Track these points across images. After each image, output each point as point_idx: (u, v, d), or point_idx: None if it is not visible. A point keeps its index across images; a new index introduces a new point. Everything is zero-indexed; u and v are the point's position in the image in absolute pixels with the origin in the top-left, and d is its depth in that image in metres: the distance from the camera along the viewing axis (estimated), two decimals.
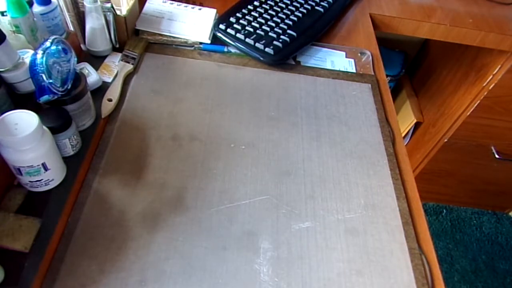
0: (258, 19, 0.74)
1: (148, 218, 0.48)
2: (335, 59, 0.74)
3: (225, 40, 0.71)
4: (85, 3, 0.58)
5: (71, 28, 0.64)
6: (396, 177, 0.56)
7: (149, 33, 0.69)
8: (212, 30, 0.72)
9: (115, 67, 0.63)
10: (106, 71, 0.63)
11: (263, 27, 0.72)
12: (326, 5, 0.81)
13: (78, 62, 0.59)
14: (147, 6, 0.73)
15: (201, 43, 0.71)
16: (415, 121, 1.27)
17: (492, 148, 1.15)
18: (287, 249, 0.47)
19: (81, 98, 0.50)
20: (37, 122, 0.41)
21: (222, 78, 0.66)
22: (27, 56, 0.50)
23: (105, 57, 0.65)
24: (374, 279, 0.46)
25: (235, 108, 0.62)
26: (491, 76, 0.98)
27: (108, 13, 0.62)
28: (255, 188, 0.52)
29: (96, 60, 0.64)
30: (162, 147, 0.55)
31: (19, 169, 0.43)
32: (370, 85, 0.70)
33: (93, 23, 0.60)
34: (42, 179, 0.45)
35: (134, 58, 0.65)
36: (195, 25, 0.71)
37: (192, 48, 0.71)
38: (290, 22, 0.75)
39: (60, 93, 0.47)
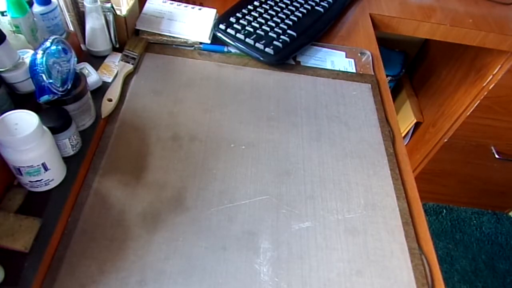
0: (258, 19, 0.74)
1: (148, 218, 0.48)
2: (335, 59, 0.74)
3: (225, 40, 0.71)
4: (85, 3, 0.58)
5: (71, 28, 0.64)
6: (396, 177, 0.56)
7: (149, 33, 0.69)
8: (212, 30, 0.72)
9: (115, 67, 0.63)
10: (106, 71, 0.63)
11: (263, 27, 0.72)
12: (326, 5, 0.81)
13: (78, 62, 0.58)
14: (147, 6, 0.73)
15: (201, 43, 0.71)
16: (415, 121, 1.27)
17: (492, 148, 1.15)
18: (287, 249, 0.47)
19: (81, 98, 0.50)
20: (37, 122, 0.41)
21: (222, 78, 0.66)
22: (27, 56, 0.50)
23: (105, 57, 0.65)
24: (374, 279, 0.46)
25: (235, 108, 0.62)
26: (491, 76, 0.98)
27: (108, 13, 0.62)
28: (255, 188, 0.52)
29: (96, 60, 0.64)
30: (162, 147, 0.55)
31: (19, 169, 0.43)
32: (370, 85, 0.70)
33: (93, 23, 0.60)
34: (42, 179, 0.45)
35: (134, 58, 0.65)
36: (195, 25, 0.71)
37: (192, 48, 0.71)
38: (290, 22, 0.75)
39: (60, 93, 0.47)
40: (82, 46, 0.65)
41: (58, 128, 0.46)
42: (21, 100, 0.50)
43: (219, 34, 0.71)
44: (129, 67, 0.63)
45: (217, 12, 0.75)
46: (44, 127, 0.43)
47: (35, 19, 0.56)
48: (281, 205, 0.51)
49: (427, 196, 1.43)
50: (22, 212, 0.45)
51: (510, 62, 0.93)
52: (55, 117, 0.47)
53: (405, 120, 1.32)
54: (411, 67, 1.41)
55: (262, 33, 0.71)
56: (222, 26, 0.71)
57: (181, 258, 0.45)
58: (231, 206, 0.50)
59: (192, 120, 0.59)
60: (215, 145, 0.56)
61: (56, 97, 0.47)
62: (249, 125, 0.60)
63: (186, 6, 0.74)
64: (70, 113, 0.48)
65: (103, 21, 0.61)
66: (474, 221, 1.45)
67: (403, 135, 1.31)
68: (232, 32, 0.71)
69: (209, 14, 0.73)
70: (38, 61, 0.44)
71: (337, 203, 0.52)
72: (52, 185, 0.47)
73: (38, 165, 0.43)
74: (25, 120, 0.41)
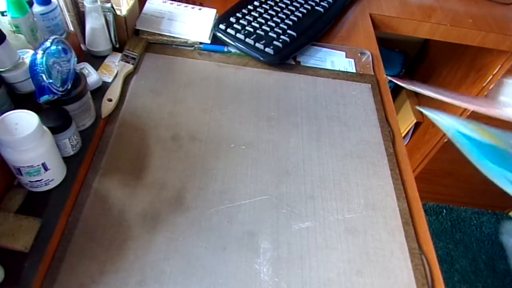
0: (258, 19, 0.74)
1: (148, 218, 0.48)
2: (335, 59, 0.74)
3: (225, 40, 0.71)
4: (85, 3, 0.58)
5: (71, 28, 0.64)
6: (396, 177, 0.56)
7: (149, 33, 0.69)
8: (212, 30, 0.72)
9: (115, 67, 0.63)
10: (106, 71, 0.63)
11: (263, 27, 0.72)
12: (326, 5, 0.81)
13: (78, 62, 0.59)
14: (147, 6, 0.73)
15: (201, 43, 0.71)
16: (415, 121, 1.27)
17: None
18: (287, 249, 0.47)
19: (81, 98, 0.50)
20: (37, 122, 0.41)
21: (222, 78, 0.66)
22: (27, 56, 0.50)
23: (105, 57, 0.65)
24: (374, 279, 0.46)
25: (235, 108, 0.62)
26: (491, 76, 0.98)
27: (108, 13, 0.62)
28: (255, 188, 0.52)
29: (96, 60, 0.64)
30: (162, 147, 0.55)
31: (19, 169, 0.43)
32: (370, 85, 0.70)
33: (93, 23, 0.60)
34: (42, 179, 0.45)
35: (134, 58, 0.65)
36: (195, 25, 0.71)
37: (192, 48, 0.71)
38: (290, 22, 0.75)
39: (60, 93, 0.47)
40: (82, 46, 0.65)
41: (58, 128, 0.46)
42: (21, 100, 0.50)
43: (219, 34, 0.71)
44: (129, 67, 0.63)
45: (217, 12, 0.75)
46: (44, 127, 0.43)
47: (35, 19, 0.56)
48: (281, 205, 0.51)
49: (427, 196, 1.43)
50: (22, 212, 0.45)
51: (510, 62, 0.93)
52: (55, 117, 0.47)
53: (405, 120, 1.32)
54: (411, 67, 1.41)
55: (262, 33, 0.71)
56: (222, 26, 0.71)
57: (181, 258, 0.45)
58: (231, 206, 0.50)
59: (192, 120, 0.59)
60: (215, 145, 0.56)
61: (56, 97, 0.47)
62: (249, 125, 0.60)
63: (186, 6, 0.74)
64: (70, 113, 0.48)
65: (103, 21, 0.61)
66: (474, 221, 1.45)
67: (403, 135, 1.31)
68: (232, 32, 0.71)
69: (209, 14, 0.73)
70: (38, 61, 0.44)
71: (337, 203, 0.52)
72: (52, 185, 0.47)
73: (38, 165, 0.43)
74: (25, 120, 0.41)
